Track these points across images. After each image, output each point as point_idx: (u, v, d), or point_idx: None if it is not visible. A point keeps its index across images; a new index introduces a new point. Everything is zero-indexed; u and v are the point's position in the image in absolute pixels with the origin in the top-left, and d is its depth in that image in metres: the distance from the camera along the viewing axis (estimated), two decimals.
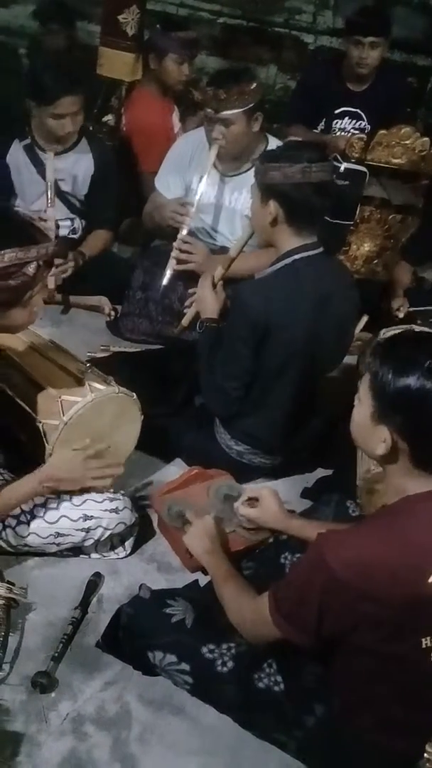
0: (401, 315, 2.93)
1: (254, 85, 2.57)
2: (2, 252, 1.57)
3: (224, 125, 2.56)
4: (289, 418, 2.23)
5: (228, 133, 2.57)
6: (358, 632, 1.34)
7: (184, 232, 2.69)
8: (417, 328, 2.11)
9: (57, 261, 2.76)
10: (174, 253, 2.70)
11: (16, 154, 2.85)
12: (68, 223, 3.02)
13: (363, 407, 1.39)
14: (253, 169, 2.14)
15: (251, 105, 2.55)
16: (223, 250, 2.69)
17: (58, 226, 2.85)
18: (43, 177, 2.83)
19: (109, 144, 3.38)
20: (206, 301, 2.27)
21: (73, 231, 3.04)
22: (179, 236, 2.70)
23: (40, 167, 2.84)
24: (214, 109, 2.55)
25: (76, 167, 2.91)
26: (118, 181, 3.10)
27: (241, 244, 2.34)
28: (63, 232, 2.97)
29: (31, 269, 1.62)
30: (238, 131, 2.57)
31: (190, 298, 2.58)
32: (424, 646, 1.33)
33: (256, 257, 2.52)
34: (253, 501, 1.97)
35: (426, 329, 2.06)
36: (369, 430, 1.38)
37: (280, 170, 1.95)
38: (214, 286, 2.28)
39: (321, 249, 2.06)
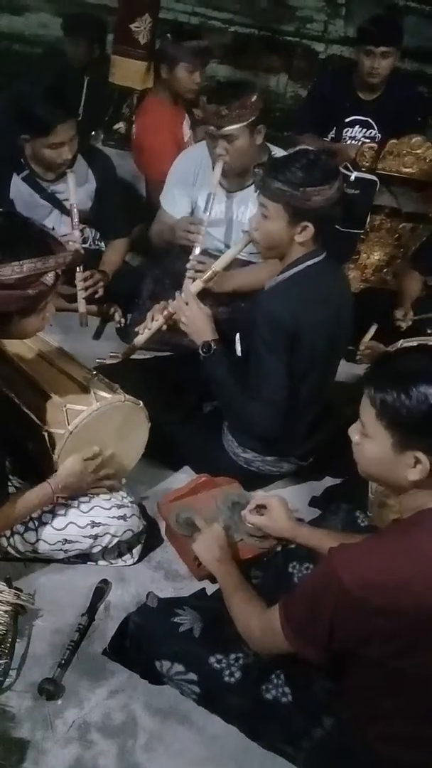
0: (404, 325, 2.90)
1: (255, 97, 2.52)
2: (21, 263, 1.58)
3: (228, 141, 2.52)
4: (299, 424, 2.23)
5: (232, 149, 2.53)
6: (369, 646, 1.33)
7: (197, 251, 2.64)
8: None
9: (83, 282, 2.76)
10: (189, 273, 2.61)
11: (17, 188, 2.83)
12: (78, 234, 3.03)
13: (377, 442, 1.35)
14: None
15: (253, 118, 2.51)
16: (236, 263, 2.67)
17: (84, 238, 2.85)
18: (47, 200, 2.84)
19: (113, 149, 3.39)
20: (198, 323, 2.18)
21: (84, 240, 3.05)
22: (192, 255, 2.64)
23: (42, 193, 2.84)
24: (217, 126, 2.50)
25: (77, 184, 2.90)
26: (121, 189, 3.09)
27: (228, 259, 2.32)
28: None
29: (49, 279, 1.64)
30: (241, 145, 2.53)
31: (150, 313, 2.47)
32: None
33: (251, 271, 2.54)
34: (260, 508, 1.96)
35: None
36: (393, 461, 1.34)
37: (320, 194, 1.92)
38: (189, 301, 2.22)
39: (325, 254, 2.07)
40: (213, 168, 2.62)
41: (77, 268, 2.71)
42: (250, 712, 1.58)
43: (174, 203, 2.88)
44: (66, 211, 2.80)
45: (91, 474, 1.89)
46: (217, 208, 2.76)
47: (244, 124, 2.50)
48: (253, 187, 2.37)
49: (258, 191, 2.05)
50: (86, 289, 2.76)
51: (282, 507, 1.92)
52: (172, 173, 2.91)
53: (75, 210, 2.70)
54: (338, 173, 2.01)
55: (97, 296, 2.82)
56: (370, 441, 1.37)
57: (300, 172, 1.93)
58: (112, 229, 3.05)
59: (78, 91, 3.78)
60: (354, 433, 1.43)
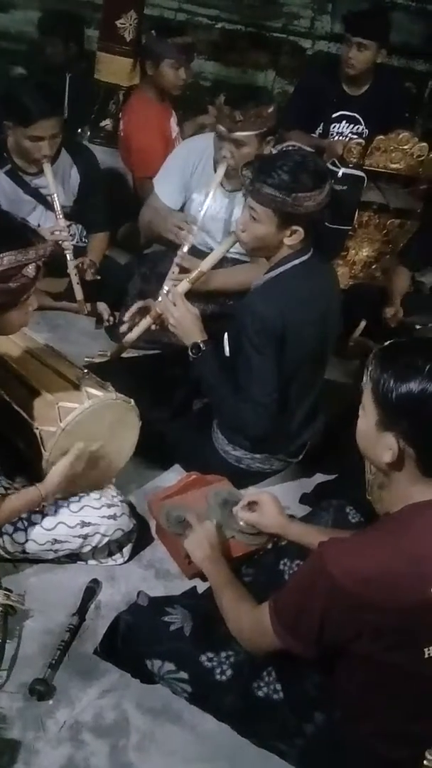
0: (393, 324, 2.90)
1: (271, 109, 2.49)
2: (1, 255, 1.57)
3: (235, 146, 2.49)
4: (289, 422, 2.22)
5: (238, 154, 2.50)
6: (359, 641, 1.33)
7: (185, 249, 2.62)
8: None
9: (75, 268, 2.74)
10: (174, 270, 2.61)
11: (0, 183, 2.83)
12: (63, 222, 3.02)
13: (367, 416, 1.39)
14: None
15: (265, 129, 2.48)
16: (225, 262, 2.66)
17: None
18: (31, 196, 2.83)
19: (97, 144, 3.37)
20: (187, 324, 2.14)
21: (71, 237, 3.04)
22: (179, 252, 2.63)
23: (26, 188, 2.83)
24: (228, 129, 2.48)
25: (61, 179, 2.89)
26: (106, 184, 3.09)
27: (215, 260, 2.31)
28: None
29: (30, 271, 1.63)
30: (248, 153, 2.48)
31: (131, 310, 2.48)
32: (426, 655, 1.32)
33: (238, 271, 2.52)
34: (252, 505, 1.96)
35: None
36: (374, 438, 1.37)
37: (312, 199, 1.90)
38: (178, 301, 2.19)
39: (311, 251, 2.06)
40: (214, 164, 2.60)
41: (68, 256, 2.70)
42: (242, 710, 1.58)
43: (168, 190, 2.85)
44: (50, 207, 2.79)
45: (82, 474, 1.88)
46: (214, 206, 2.75)
47: (255, 132, 2.47)
48: None
49: (246, 194, 2.02)
50: (79, 274, 2.75)
51: (273, 503, 1.92)
52: (170, 160, 2.88)
53: (55, 198, 2.69)
54: (328, 175, 1.98)
55: (95, 276, 2.81)
56: (364, 415, 1.41)
57: (290, 177, 1.90)
58: (96, 223, 3.05)
59: (60, 90, 3.77)
60: (362, 405, 1.45)
